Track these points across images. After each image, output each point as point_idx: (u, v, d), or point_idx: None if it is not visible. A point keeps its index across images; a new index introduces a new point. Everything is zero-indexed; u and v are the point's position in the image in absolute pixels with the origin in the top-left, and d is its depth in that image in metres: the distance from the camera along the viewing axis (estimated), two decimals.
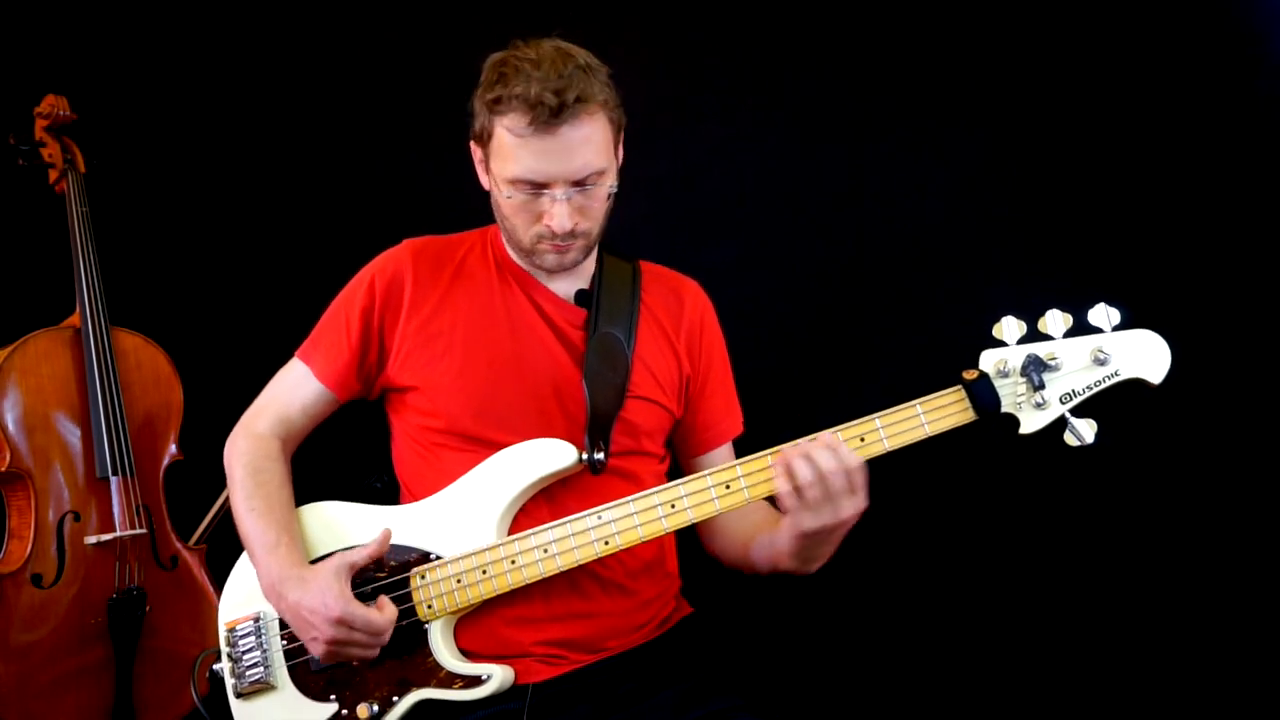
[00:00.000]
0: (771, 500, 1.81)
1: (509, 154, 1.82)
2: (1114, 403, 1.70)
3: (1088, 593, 2.83)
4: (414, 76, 3.16)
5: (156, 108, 3.22)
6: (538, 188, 1.83)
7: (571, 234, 1.86)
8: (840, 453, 1.69)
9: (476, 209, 2.06)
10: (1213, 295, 2.70)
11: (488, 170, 1.91)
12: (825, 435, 1.73)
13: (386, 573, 1.87)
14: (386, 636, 1.81)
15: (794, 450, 1.71)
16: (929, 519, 2.90)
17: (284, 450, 2.00)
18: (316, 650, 1.82)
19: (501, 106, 1.80)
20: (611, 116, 1.87)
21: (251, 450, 1.96)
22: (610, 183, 1.88)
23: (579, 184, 1.83)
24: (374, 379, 2.00)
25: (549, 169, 1.81)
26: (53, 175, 2.95)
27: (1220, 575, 2.75)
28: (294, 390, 2.01)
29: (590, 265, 2.03)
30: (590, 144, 1.82)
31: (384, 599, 1.83)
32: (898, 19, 2.94)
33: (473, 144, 1.93)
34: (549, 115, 1.76)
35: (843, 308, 2.99)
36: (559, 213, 1.83)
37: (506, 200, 1.86)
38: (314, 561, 1.89)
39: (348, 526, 1.92)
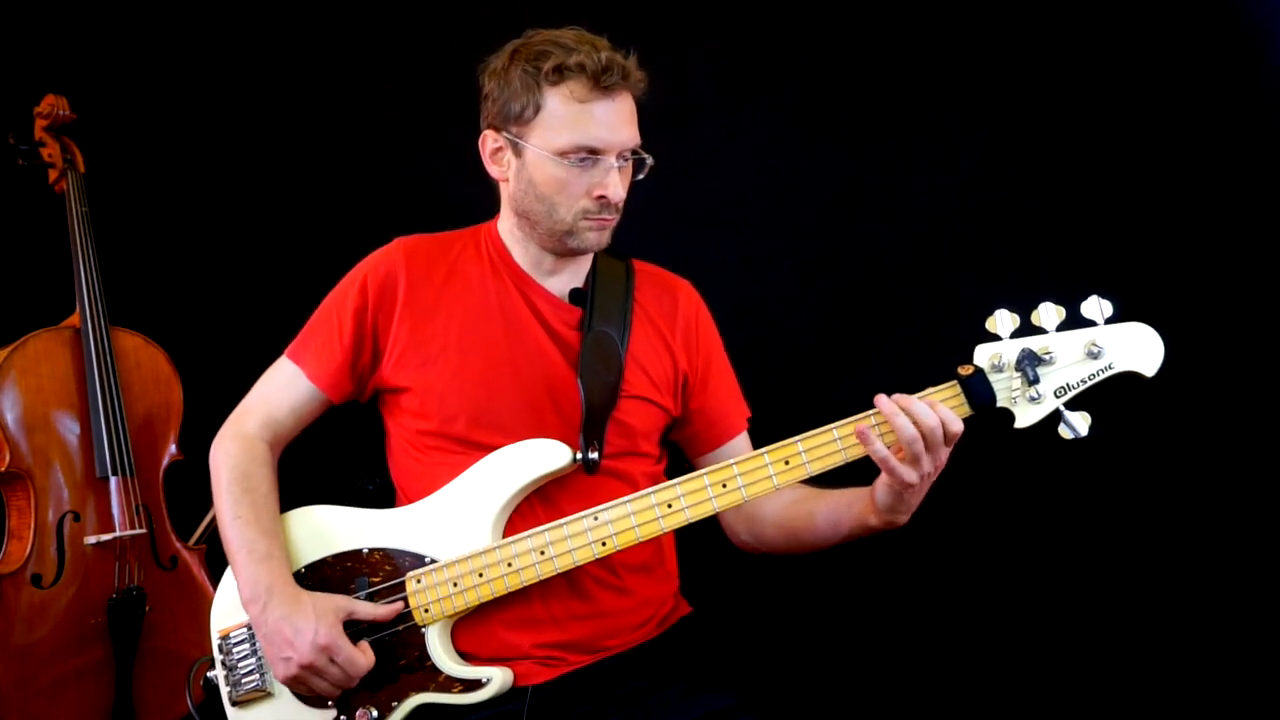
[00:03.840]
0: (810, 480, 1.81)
1: (566, 123, 1.84)
2: (1107, 395, 1.71)
3: (1083, 585, 2.83)
4: (412, 76, 3.16)
5: (156, 108, 3.22)
6: (593, 155, 1.85)
7: (615, 208, 1.90)
8: (939, 410, 1.70)
9: (474, 207, 2.06)
10: (1205, 288, 2.70)
11: (517, 155, 1.91)
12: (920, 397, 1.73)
13: (381, 577, 1.87)
14: (356, 681, 1.82)
15: (888, 405, 1.71)
16: (925, 513, 2.89)
17: (271, 453, 1.99)
18: (283, 670, 1.81)
19: (559, 75, 1.83)
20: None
21: (239, 453, 1.95)
22: (647, 158, 1.93)
23: (624, 155, 1.88)
24: (367, 380, 1.99)
25: (608, 136, 1.85)
26: (53, 175, 2.94)
27: (1214, 568, 2.75)
28: (283, 391, 2.00)
29: (585, 263, 2.03)
30: (634, 117, 1.89)
31: (365, 644, 1.83)
32: (898, 18, 2.94)
33: (491, 132, 1.93)
34: (619, 77, 1.83)
35: (843, 304, 2.99)
36: (613, 181, 1.87)
37: (555, 174, 1.87)
38: (303, 569, 1.90)
39: (338, 532, 1.92)
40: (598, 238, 1.93)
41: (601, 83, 1.82)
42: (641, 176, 1.96)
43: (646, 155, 1.92)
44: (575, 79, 1.83)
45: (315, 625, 1.78)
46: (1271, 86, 2.68)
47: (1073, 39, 2.82)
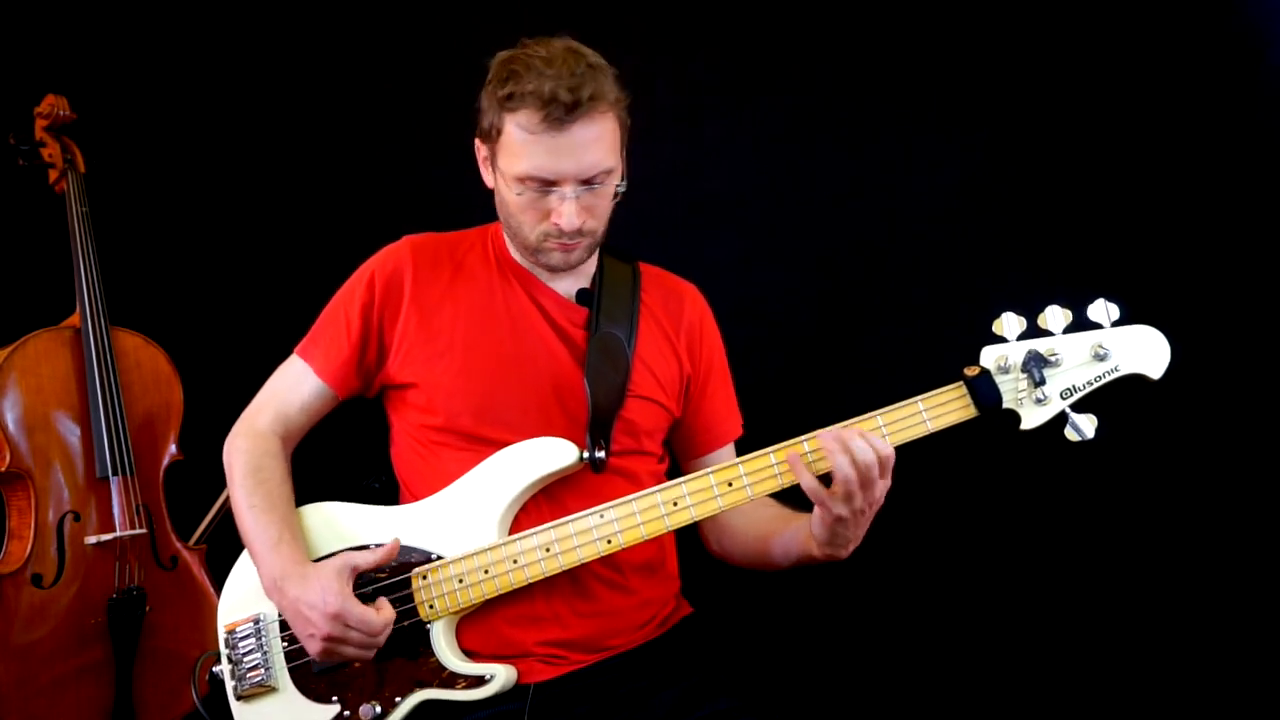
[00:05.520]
0: (778, 496, 1.81)
1: (519, 151, 1.82)
2: (1114, 398, 1.71)
3: (1088, 588, 2.84)
4: (413, 76, 3.16)
5: (156, 108, 3.22)
6: (547, 185, 1.83)
7: (579, 232, 1.87)
8: (873, 443, 1.69)
9: (476, 207, 2.06)
10: (1211, 290, 2.71)
11: (493, 168, 1.91)
12: (851, 429, 1.73)
13: (388, 573, 1.87)
14: (383, 638, 1.81)
15: (832, 442, 1.70)
16: (931, 515, 2.90)
17: (284, 448, 1.99)
18: (313, 648, 1.81)
19: (514, 103, 1.81)
20: (620, 116, 1.87)
21: (251, 448, 1.96)
22: (617, 182, 1.89)
23: (587, 183, 1.84)
24: (373, 376, 2.00)
25: (559, 166, 1.81)
26: (53, 175, 2.94)
27: (1219, 570, 2.75)
28: (293, 388, 2.01)
29: (591, 265, 2.03)
30: (600, 143, 1.83)
31: (383, 600, 1.83)
32: (898, 18, 2.94)
33: (478, 141, 1.93)
34: (563, 112, 1.77)
35: (844, 304, 3.00)
36: (567, 211, 1.84)
37: (514, 198, 1.86)
38: (316, 561, 1.89)
39: (349, 526, 1.92)
40: (564, 259, 1.92)
41: (554, 115, 1.78)
42: (616, 200, 1.92)
43: (609, 181, 1.87)
44: (528, 108, 1.79)
45: (323, 597, 1.78)
46: (1271, 86, 2.69)
47: (1073, 39, 2.83)
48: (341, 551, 1.88)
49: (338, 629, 1.77)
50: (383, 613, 1.81)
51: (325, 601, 1.78)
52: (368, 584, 1.86)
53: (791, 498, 1.83)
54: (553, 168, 1.81)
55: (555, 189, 1.83)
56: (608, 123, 1.84)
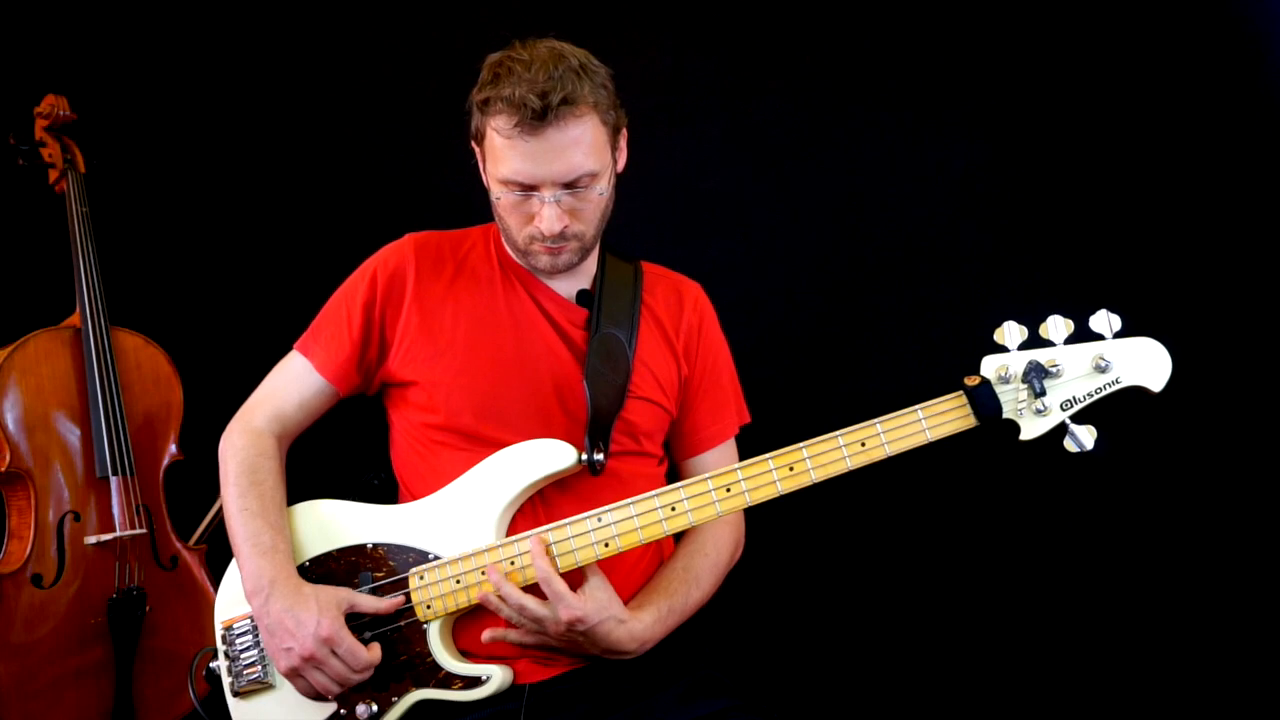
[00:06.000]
0: (776, 501, 1.80)
1: (498, 155, 1.83)
2: (1114, 410, 1.70)
3: (1086, 597, 2.84)
4: (414, 74, 3.16)
5: (156, 108, 3.22)
6: (527, 189, 1.83)
7: (562, 236, 1.87)
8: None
9: (478, 206, 2.06)
10: (1214, 303, 2.70)
11: (484, 169, 1.92)
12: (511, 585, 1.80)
13: (385, 573, 1.87)
14: (360, 677, 1.80)
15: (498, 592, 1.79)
16: (929, 523, 2.90)
17: (279, 447, 1.99)
18: (283, 661, 1.80)
19: (490, 108, 1.81)
20: (605, 118, 1.86)
21: (247, 446, 1.96)
22: (602, 186, 1.87)
23: (568, 186, 1.83)
24: (374, 373, 2.00)
25: (535, 171, 1.81)
26: (53, 175, 2.94)
27: (1219, 581, 2.75)
28: (292, 384, 2.01)
29: (592, 265, 2.03)
30: (579, 146, 1.81)
31: (375, 645, 1.82)
32: (898, 19, 2.94)
33: (472, 142, 1.94)
34: (532, 117, 1.77)
35: (844, 311, 2.99)
36: (548, 215, 1.84)
37: (500, 200, 1.87)
38: (307, 562, 1.90)
39: (342, 526, 1.92)
40: (550, 262, 1.92)
41: (525, 119, 1.78)
42: (604, 204, 1.91)
43: (594, 184, 1.86)
44: (503, 113, 1.80)
45: (318, 617, 1.78)
46: (1272, 87, 2.69)
47: (1073, 39, 2.82)
48: (331, 553, 1.89)
49: (322, 651, 1.77)
50: (373, 652, 1.81)
51: (319, 623, 1.77)
52: (365, 581, 1.86)
53: (798, 498, 1.82)
54: (530, 172, 1.81)
55: (536, 193, 1.83)
56: (587, 125, 1.82)
